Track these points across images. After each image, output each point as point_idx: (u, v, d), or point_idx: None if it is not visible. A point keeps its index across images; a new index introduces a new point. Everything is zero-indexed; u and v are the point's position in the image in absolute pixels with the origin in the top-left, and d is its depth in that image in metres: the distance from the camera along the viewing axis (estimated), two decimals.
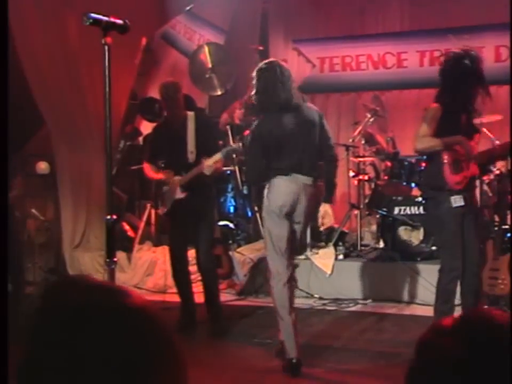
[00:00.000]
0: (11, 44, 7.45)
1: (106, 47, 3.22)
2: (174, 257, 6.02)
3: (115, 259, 3.31)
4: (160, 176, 5.95)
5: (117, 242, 7.36)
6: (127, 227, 8.50)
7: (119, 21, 3.26)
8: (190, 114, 5.89)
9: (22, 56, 7.62)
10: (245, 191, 8.38)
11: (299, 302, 6.84)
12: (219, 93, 8.58)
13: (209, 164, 5.59)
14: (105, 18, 3.21)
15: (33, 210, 8.27)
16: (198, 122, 5.86)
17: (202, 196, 5.83)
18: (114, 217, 3.30)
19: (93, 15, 3.17)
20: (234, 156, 7.38)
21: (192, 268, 6.17)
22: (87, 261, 8.15)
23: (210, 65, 8.47)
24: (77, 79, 7.88)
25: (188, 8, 9.50)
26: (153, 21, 9.59)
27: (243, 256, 7.54)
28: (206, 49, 8.61)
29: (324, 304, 6.87)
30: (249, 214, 8.34)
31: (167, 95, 5.79)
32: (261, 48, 8.93)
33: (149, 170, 6.03)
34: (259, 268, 7.39)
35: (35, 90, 7.79)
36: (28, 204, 8.08)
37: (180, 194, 5.80)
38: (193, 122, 5.83)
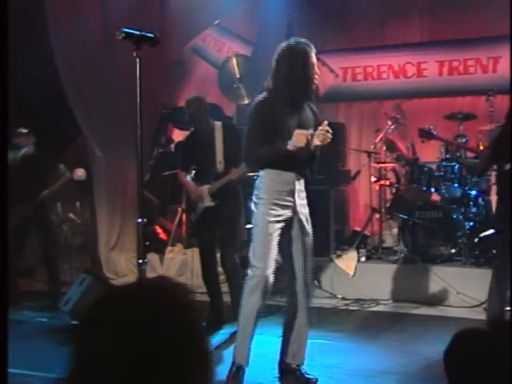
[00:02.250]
0: (51, 58, 7.59)
1: (138, 59, 3.24)
2: (204, 258, 6.07)
3: (146, 260, 3.34)
4: (190, 187, 6.03)
5: (150, 244, 7.45)
6: (159, 230, 8.56)
7: (150, 35, 3.29)
8: (218, 124, 5.97)
9: (61, 70, 7.71)
10: None
11: (323, 302, 6.88)
12: (246, 102, 8.62)
13: (236, 175, 5.76)
14: (137, 32, 3.24)
15: (71, 215, 8.37)
16: (225, 132, 5.93)
17: (230, 202, 5.90)
18: (145, 220, 3.33)
19: (126, 29, 3.20)
20: None
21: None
22: (122, 262, 8.20)
23: (238, 76, 8.53)
24: (112, 90, 7.95)
25: (216, 22, 9.56)
26: (184, 34, 9.66)
27: None
28: (234, 60, 8.67)
29: (347, 305, 6.85)
30: None
31: (190, 112, 5.91)
32: None
33: (183, 179, 6.13)
34: (284, 269, 7.38)
35: (73, 101, 7.87)
36: (65, 208, 8.17)
37: (209, 203, 5.88)
38: (221, 132, 5.91)
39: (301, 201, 4.39)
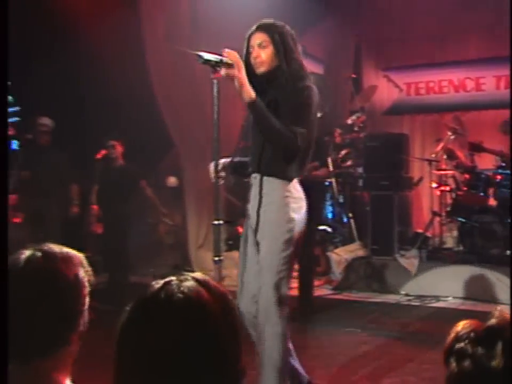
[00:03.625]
0: (149, 83, 7.78)
1: (215, 82, 3.27)
2: None
3: (221, 257, 3.40)
4: None
5: (233, 243, 7.49)
6: (241, 230, 8.64)
7: (226, 59, 3.29)
8: None
9: (158, 95, 7.90)
10: (341, 200, 8.37)
11: (388, 297, 6.83)
12: (318, 115, 8.58)
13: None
14: (214, 57, 3.25)
15: (164, 217, 8.56)
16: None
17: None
18: (221, 222, 3.38)
19: (204, 55, 3.23)
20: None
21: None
22: (208, 259, 8.30)
23: None
24: (200, 108, 8.08)
25: None
26: None
27: (339, 256, 7.53)
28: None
29: (409, 300, 6.76)
30: (345, 220, 8.32)
31: None
32: (354, 76, 8.89)
33: None
34: (353, 266, 7.38)
35: (167, 119, 8.05)
36: (160, 211, 8.35)
37: None
38: None
39: (252, 202, 3.51)
